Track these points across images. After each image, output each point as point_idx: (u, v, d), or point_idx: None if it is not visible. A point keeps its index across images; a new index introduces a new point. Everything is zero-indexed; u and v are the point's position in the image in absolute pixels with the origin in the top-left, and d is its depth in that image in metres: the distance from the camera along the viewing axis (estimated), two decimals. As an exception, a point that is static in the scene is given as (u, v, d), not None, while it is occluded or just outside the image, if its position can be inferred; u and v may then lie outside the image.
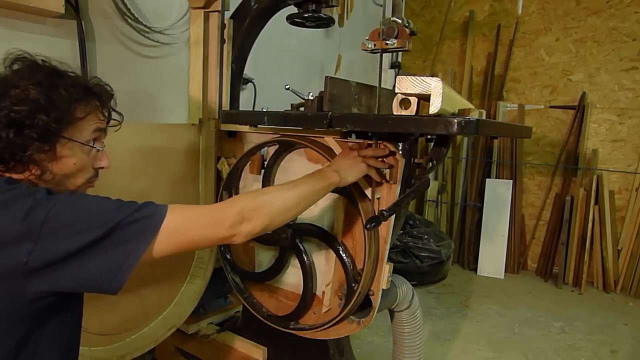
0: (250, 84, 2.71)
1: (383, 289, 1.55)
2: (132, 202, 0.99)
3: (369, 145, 1.48)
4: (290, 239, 1.65)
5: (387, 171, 1.45)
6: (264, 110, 1.68)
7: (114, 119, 1.19)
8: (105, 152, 1.14)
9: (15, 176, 1.01)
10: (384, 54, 1.61)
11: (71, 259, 0.90)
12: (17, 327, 0.95)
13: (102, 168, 1.15)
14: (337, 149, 1.53)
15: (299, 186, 1.23)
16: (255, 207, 1.11)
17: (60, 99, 1.01)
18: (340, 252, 1.57)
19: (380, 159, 1.45)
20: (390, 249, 1.56)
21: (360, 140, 1.53)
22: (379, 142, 1.47)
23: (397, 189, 1.46)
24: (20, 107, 0.97)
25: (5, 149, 0.98)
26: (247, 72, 2.28)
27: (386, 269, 1.53)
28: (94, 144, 1.09)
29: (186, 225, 1.02)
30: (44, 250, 0.88)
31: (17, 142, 0.97)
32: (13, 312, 0.93)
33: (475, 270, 4.18)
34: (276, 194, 1.19)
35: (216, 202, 1.89)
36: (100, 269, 0.92)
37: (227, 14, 2.00)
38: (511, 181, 4.13)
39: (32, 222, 0.88)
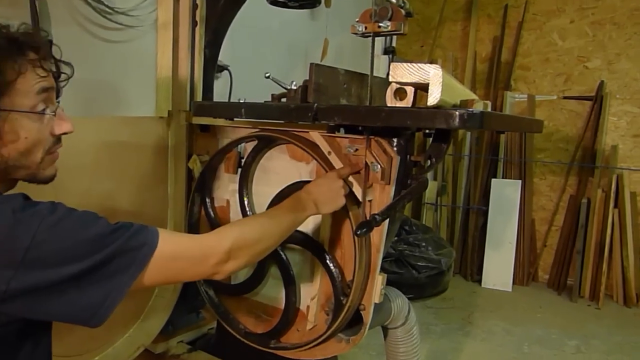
0: (225, 71, 2.71)
1: (375, 303, 1.57)
2: (122, 226, 0.97)
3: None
4: (271, 246, 1.66)
5: (378, 170, 1.46)
6: (241, 101, 1.69)
7: (63, 72, 1.09)
8: (62, 113, 1.06)
9: None
10: (376, 38, 1.62)
11: (52, 289, 0.88)
12: None
13: (65, 134, 1.07)
14: (323, 145, 1.54)
15: (282, 221, 1.29)
16: (243, 246, 1.14)
17: None
18: (327, 261, 1.58)
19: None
20: (384, 258, 1.58)
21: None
22: (371, 137, 1.48)
23: (391, 190, 1.48)
24: None
25: None
26: (222, 58, 2.28)
27: (379, 280, 1.55)
28: (44, 109, 1.00)
29: (174, 258, 1.03)
30: (25, 278, 0.85)
31: None
32: None
33: (480, 282, 4.21)
34: (262, 230, 1.22)
35: (187, 204, 1.90)
36: (81, 304, 0.91)
37: (200, -7, 2.00)
38: (520, 181, 4.16)
39: (14, 246, 0.85)
